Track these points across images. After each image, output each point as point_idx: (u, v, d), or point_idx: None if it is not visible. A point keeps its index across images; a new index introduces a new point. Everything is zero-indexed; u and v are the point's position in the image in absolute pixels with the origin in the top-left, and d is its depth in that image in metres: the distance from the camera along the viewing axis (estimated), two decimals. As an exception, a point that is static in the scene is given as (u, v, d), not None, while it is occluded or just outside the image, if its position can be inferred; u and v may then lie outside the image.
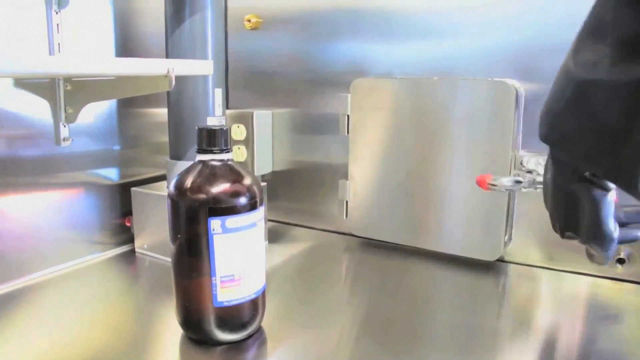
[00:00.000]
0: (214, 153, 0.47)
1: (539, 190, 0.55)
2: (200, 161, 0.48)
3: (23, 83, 0.62)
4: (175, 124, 0.72)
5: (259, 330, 0.51)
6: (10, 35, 0.60)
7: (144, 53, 0.78)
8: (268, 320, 0.52)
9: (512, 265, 0.71)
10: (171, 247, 0.49)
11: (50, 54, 0.64)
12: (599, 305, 0.60)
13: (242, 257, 0.47)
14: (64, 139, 0.66)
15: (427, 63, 0.74)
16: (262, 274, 0.51)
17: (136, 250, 0.75)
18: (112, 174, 0.75)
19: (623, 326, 0.55)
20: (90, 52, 0.70)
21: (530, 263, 0.71)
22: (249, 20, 0.87)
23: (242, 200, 0.47)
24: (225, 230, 0.46)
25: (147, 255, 0.74)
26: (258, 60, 0.88)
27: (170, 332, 0.51)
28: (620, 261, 0.65)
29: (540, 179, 0.55)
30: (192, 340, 0.50)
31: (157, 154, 0.81)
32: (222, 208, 0.46)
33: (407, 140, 0.72)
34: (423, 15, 0.74)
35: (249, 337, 0.50)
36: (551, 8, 0.65)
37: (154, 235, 0.73)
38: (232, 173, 0.48)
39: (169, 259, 0.49)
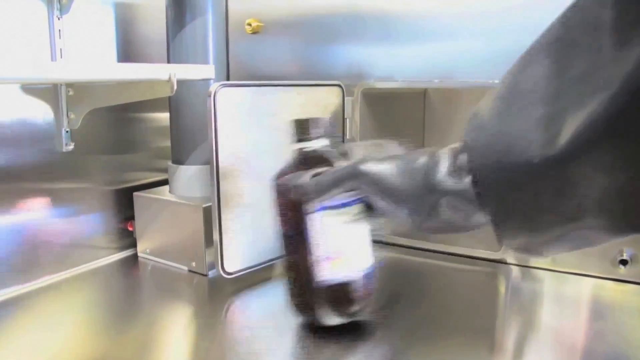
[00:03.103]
0: (310, 141, 0.50)
1: None
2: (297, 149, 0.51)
3: (25, 89, 0.62)
4: (177, 128, 0.73)
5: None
6: (12, 41, 0.61)
7: (145, 58, 0.78)
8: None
9: (514, 267, 0.71)
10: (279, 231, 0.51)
11: (52, 59, 0.65)
12: (601, 307, 0.60)
13: (345, 236, 0.49)
14: (66, 144, 0.66)
15: (428, 66, 0.74)
16: (370, 252, 0.51)
17: (139, 254, 0.75)
18: (114, 179, 0.75)
19: (626, 327, 0.55)
20: (92, 58, 0.71)
21: (533, 265, 0.71)
22: (250, 25, 0.87)
23: None
24: (326, 208, 0.47)
25: (149, 259, 0.74)
26: (259, 64, 0.88)
27: (174, 336, 0.51)
28: (623, 262, 0.65)
29: None
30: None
31: (159, 158, 0.81)
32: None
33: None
34: (424, 19, 0.74)
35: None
36: (552, 13, 0.65)
37: (157, 239, 0.73)
38: (326, 159, 0.50)
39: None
